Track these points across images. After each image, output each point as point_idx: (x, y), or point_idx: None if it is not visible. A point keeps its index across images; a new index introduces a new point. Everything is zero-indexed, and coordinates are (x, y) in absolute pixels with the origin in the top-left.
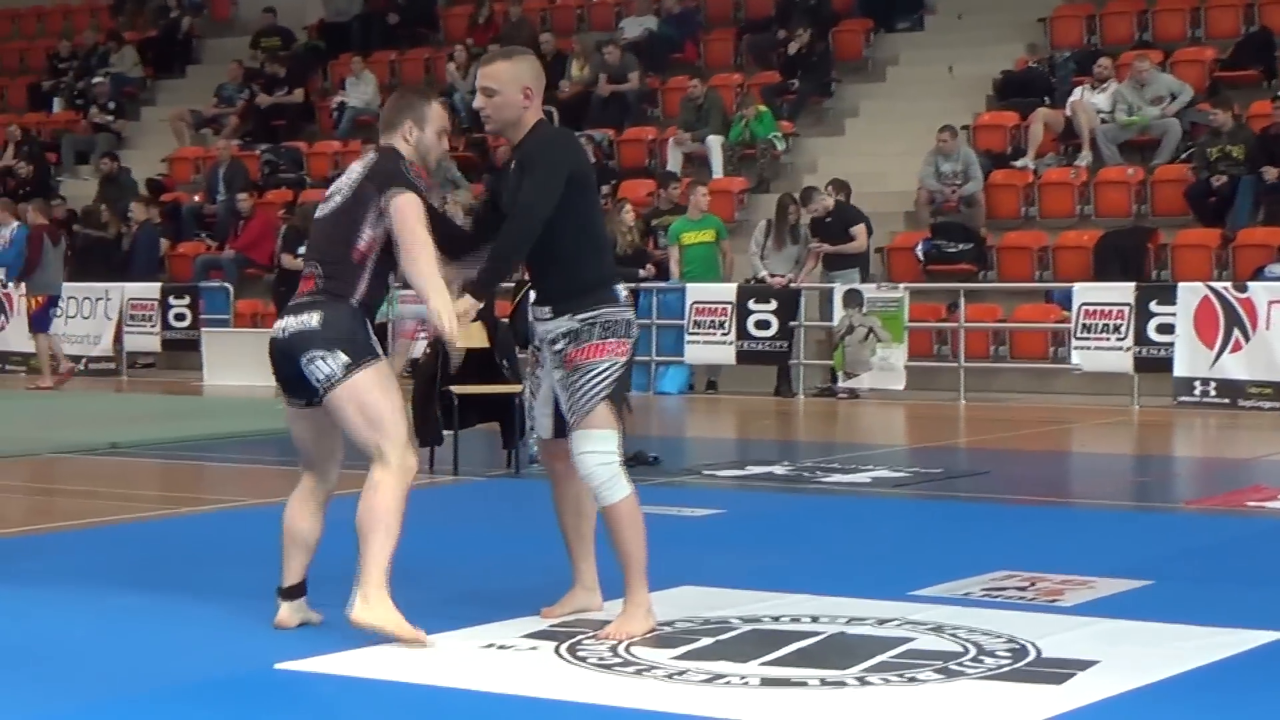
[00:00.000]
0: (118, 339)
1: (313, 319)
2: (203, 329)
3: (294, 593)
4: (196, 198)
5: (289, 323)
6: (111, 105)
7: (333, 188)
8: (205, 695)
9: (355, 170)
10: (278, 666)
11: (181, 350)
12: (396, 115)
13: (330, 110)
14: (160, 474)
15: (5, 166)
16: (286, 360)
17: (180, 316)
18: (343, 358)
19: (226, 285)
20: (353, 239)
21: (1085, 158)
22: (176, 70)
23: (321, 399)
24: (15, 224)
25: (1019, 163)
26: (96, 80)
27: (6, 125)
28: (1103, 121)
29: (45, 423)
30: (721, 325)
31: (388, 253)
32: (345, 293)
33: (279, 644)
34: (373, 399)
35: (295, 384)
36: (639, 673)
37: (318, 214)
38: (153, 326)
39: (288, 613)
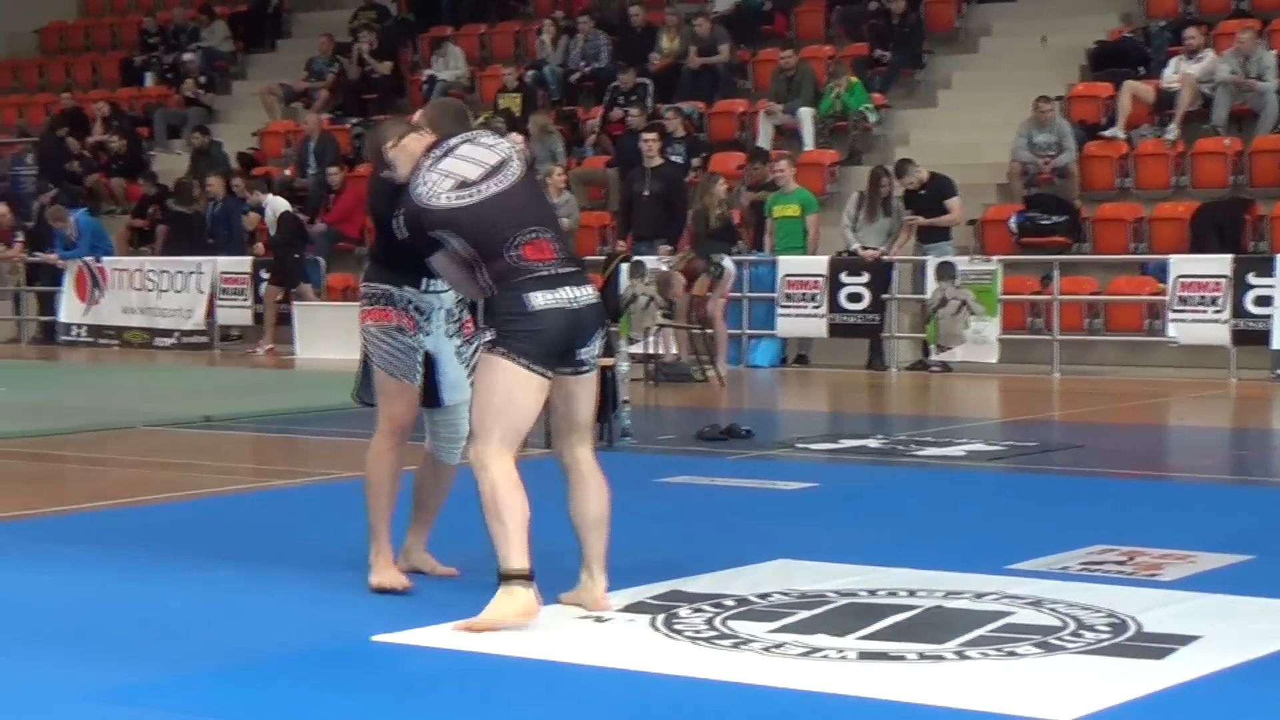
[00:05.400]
0: (210, 313)
1: (594, 293)
2: (294, 302)
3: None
4: (287, 171)
5: (576, 293)
6: (202, 79)
7: (457, 172)
8: (302, 667)
9: (491, 140)
10: (374, 639)
11: (276, 323)
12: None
13: (420, 83)
14: (254, 446)
15: (97, 141)
16: (579, 331)
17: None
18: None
19: (318, 258)
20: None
21: (1174, 131)
22: (267, 44)
23: (582, 373)
24: (72, 217)
25: (1110, 132)
26: (187, 55)
27: (98, 100)
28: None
29: (140, 396)
30: (813, 298)
31: None
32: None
33: (376, 616)
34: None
35: (566, 354)
36: (736, 646)
37: (502, 188)
38: (244, 300)
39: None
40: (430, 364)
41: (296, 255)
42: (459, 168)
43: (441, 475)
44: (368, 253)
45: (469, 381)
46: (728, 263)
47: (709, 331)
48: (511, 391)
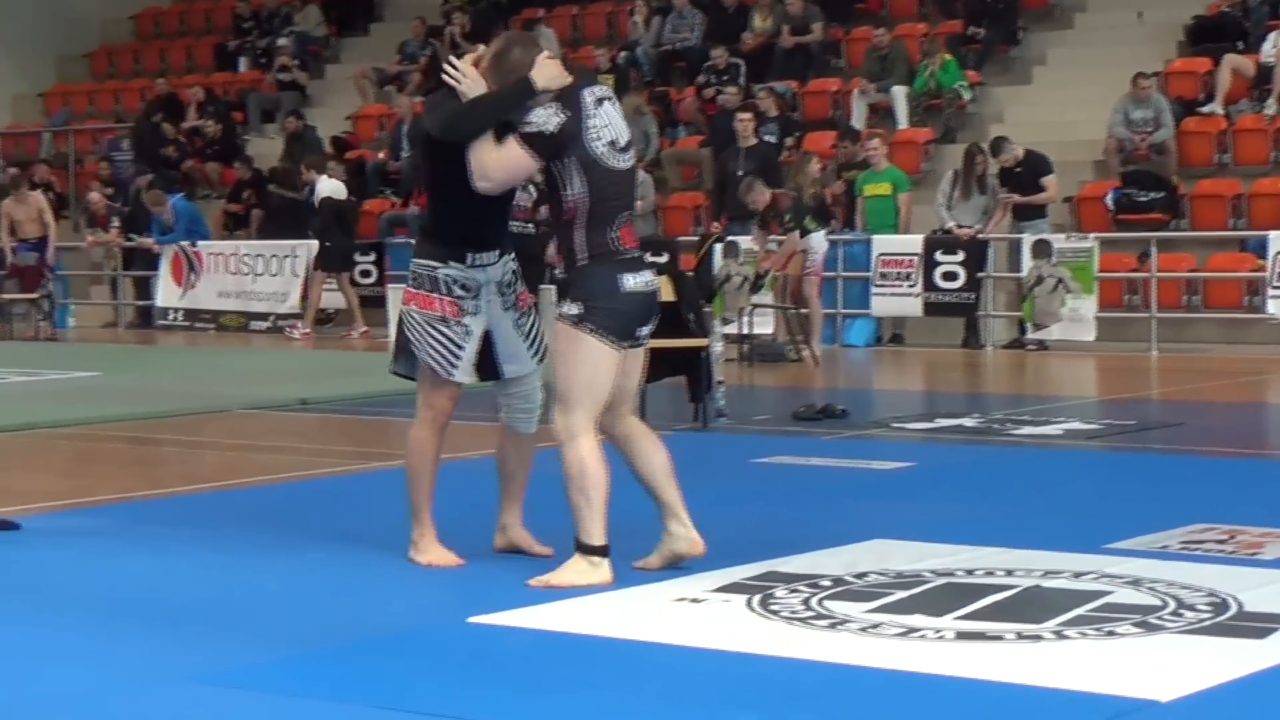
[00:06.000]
0: (305, 295)
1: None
2: (388, 285)
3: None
4: (381, 155)
5: (651, 279)
6: (296, 64)
7: (611, 129)
8: (399, 648)
9: (617, 118)
10: (471, 620)
11: (368, 306)
12: None
13: None
14: (348, 429)
15: (192, 126)
16: (650, 313)
17: (366, 273)
18: None
19: (411, 241)
20: None
21: (1273, 106)
22: (360, 28)
23: (639, 346)
24: (170, 201)
25: (1207, 108)
26: (281, 40)
27: (193, 86)
28: None
29: (235, 379)
30: (908, 277)
31: None
32: None
33: (472, 597)
34: None
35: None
36: (832, 626)
37: (630, 165)
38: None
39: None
40: (487, 339)
41: (328, 243)
42: (616, 124)
43: (523, 446)
44: (419, 226)
45: (530, 353)
46: (817, 239)
47: (804, 311)
48: (598, 367)
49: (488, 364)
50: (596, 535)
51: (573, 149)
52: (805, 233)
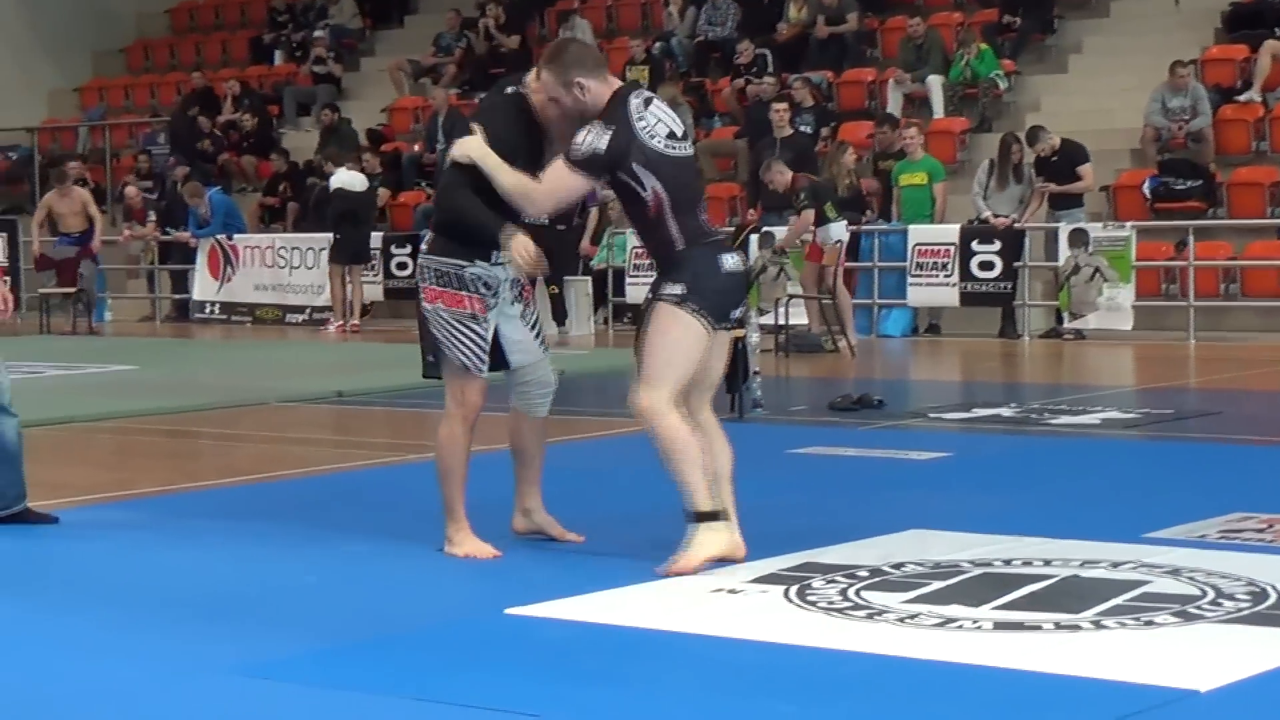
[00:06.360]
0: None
1: None
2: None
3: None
4: (416, 147)
5: (740, 259)
6: (331, 56)
7: (665, 124)
8: (436, 640)
9: (667, 112)
10: (508, 611)
11: (403, 298)
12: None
13: None
14: (385, 421)
15: (228, 120)
16: (742, 293)
17: (402, 265)
18: None
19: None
20: None
21: None
22: (395, 20)
23: (728, 328)
24: (207, 194)
25: (1244, 96)
26: (316, 33)
27: (229, 79)
28: None
29: (272, 372)
30: (944, 267)
31: None
32: None
33: (509, 589)
34: None
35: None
36: (870, 617)
37: (691, 153)
38: (375, 275)
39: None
40: (495, 334)
41: (339, 235)
42: (667, 118)
43: (539, 430)
44: (432, 224)
45: (538, 343)
46: (836, 229)
47: (830, 301)
48: (691, 347)
49: (496, 356)
50: (701, 501)
51: (632, 155)
52: (824, 220)
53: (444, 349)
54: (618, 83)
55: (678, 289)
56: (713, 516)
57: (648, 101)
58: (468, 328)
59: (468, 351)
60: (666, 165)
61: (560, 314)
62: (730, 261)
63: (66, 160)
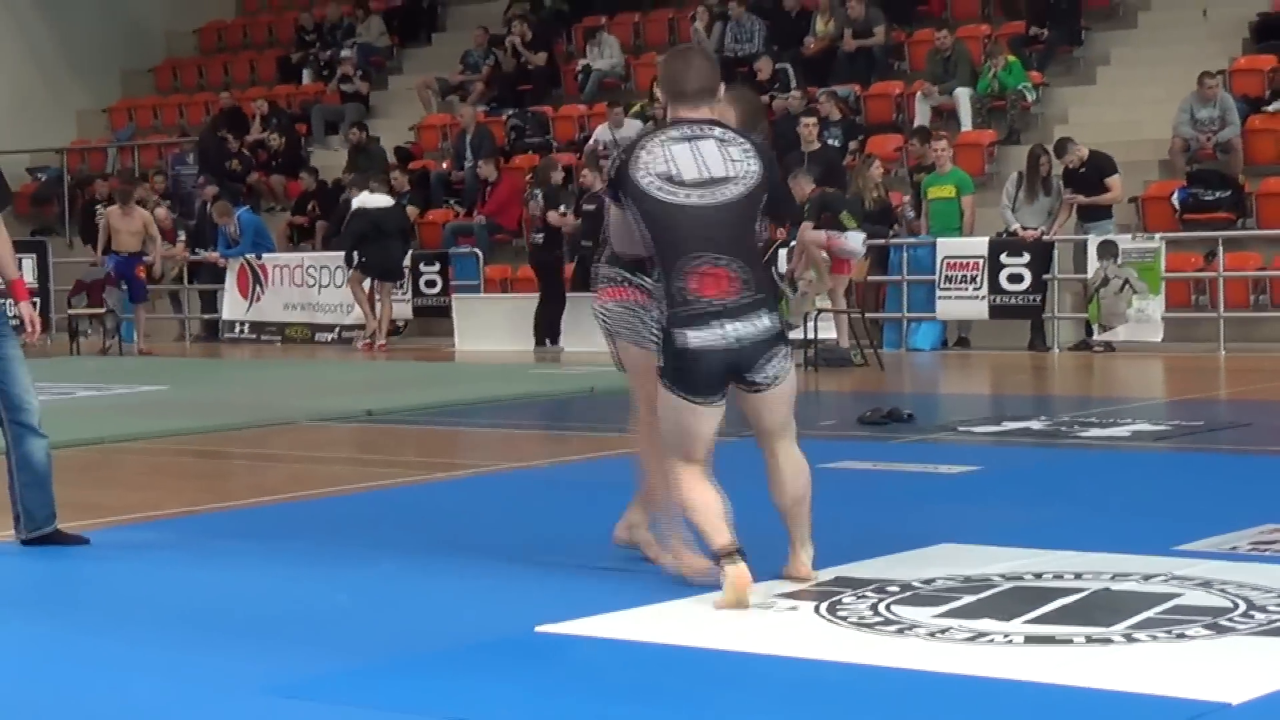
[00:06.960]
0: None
1: (768, 325)
2: (453, 295)
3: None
4: (444, 165)
5: (742, 330)
6: (359, 75)
7: (672, 163)
8: (467, 658)
9: (741, 154)
10: (539, 629)
11: (433, 316)
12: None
13: (575, 74)
14: (415, 440)
15: (256, 140)
16: (740, 366)
17: (431, 283)
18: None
19: (476, 251)
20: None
21: None
22: (422, 38)
23: (760, 391)
24: (236, 214)
25: (1273, 106)
26: (344, 51)
27: (257, 99)
28: None
29: (302, 391)
30: (973, 280)
31: None
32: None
33: (539, 607)
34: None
35: (736, 380)
36: (900, 632)
37: (704, 203)
38: (404, 294)
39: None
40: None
41: (360, 254)
42: (683, 160)
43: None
44: (603, 256)
45: None
46: (854, 239)
47: (856, 314)
48: (681, 418)
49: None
50: (718, 537)
51: (623, 185)
52: (842, 229)
53: (619, 340)
54: (684, 109)
55: (660, 362)
56: (723, 553)
57: (690, 139)
58: (635, 312)
59: (640, 330)
60: (649, 204)
61: (554, 332)
62: (695, 339)
63: (91, 181)
